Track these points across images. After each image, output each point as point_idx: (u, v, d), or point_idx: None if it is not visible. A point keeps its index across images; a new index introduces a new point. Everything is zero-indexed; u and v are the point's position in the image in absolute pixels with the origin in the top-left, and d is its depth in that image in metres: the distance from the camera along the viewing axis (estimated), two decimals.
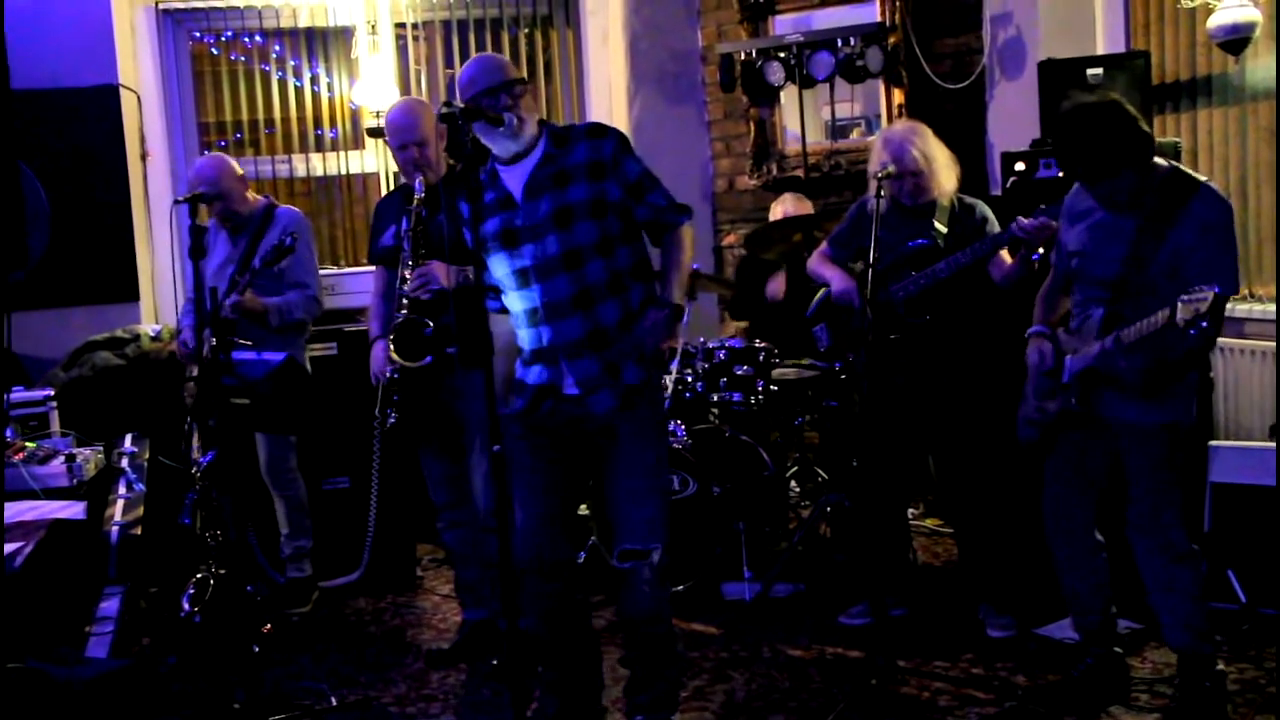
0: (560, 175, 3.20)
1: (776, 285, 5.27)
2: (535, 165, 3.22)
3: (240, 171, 4.78)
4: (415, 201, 3.95)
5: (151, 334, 5.82)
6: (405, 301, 3.90)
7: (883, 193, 3.88)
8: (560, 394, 3.26)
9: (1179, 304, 2.93)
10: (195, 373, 4.51)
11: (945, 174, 4.06)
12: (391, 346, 3.90)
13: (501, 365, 3.39)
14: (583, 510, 4.90)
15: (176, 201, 4.39)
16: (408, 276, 3.90)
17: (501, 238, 3.25)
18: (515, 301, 3.30)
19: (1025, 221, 3.77)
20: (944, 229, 4.08)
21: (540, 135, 3.24)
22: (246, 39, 6.62)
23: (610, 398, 3.22)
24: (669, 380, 4.97)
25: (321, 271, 4.98)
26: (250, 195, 4.80)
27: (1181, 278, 3.12)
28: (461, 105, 3.07)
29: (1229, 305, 3.20)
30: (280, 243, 4.27)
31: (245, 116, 6.66)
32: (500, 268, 3.28)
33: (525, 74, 3.23)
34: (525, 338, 3.31)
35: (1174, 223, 3.16)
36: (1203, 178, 3.22)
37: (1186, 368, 3.30)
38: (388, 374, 3.96)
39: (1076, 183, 3.41)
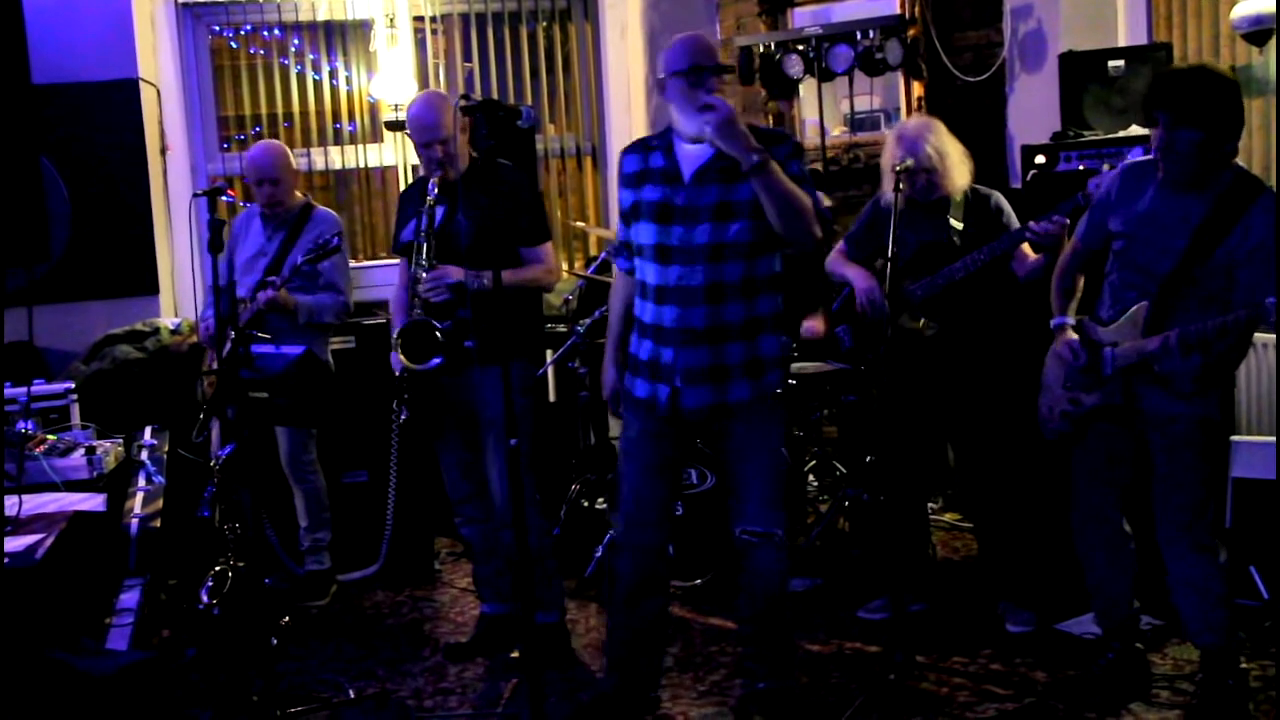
0: (732, 170, 3.20)
1: (814, 324, 5.21)
2: (714, 154, 3.23)
3: (294, 163, 4.83)
4: (427, 202, 3.94)
5: (171, 327, 5.84)
6: (418, 302, 3.91)
7: (901, 186, 3.86)
8: (670, 380, 3.31)
9: (1269, 306, 2.95)
10: (213, 363, 4.53)
11: (958, 170, 4.04)
12: (398, 347, 3.91)
13: (615, 326, 3.54)
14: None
15: (196, 195, 4.41)
16: (422, 277, 3.91)
17: (657, 210, 3.29)
18: (648, 274, 3.33)
19: (1039, 225, 3.78)
20: (960, 224, 4.07)
21: None
22: (265, 33, 6.63)
23: (709, 394, 3.28)
24: None
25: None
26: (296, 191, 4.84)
27: (1233, 280, 3.14)
28: (480, 99, 3.08)
29: None
30: (326, 241, 4.31)
31: (264, 110, 6.68)
32: (644, 237, 3.31)
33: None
34: (646, 311, 3.36)
35: (1236, 224, 3.15)
36: (1269, 184, 3.23)
37: (1232, 368, 3.30)
38: (397, 372, 3.99)
39: (1127, 164, 3.41)
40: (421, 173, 4.14)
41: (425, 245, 3.93)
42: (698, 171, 3.26)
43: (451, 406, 4.03)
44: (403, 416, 4.01)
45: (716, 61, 3.23)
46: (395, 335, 3.96)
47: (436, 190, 3.95)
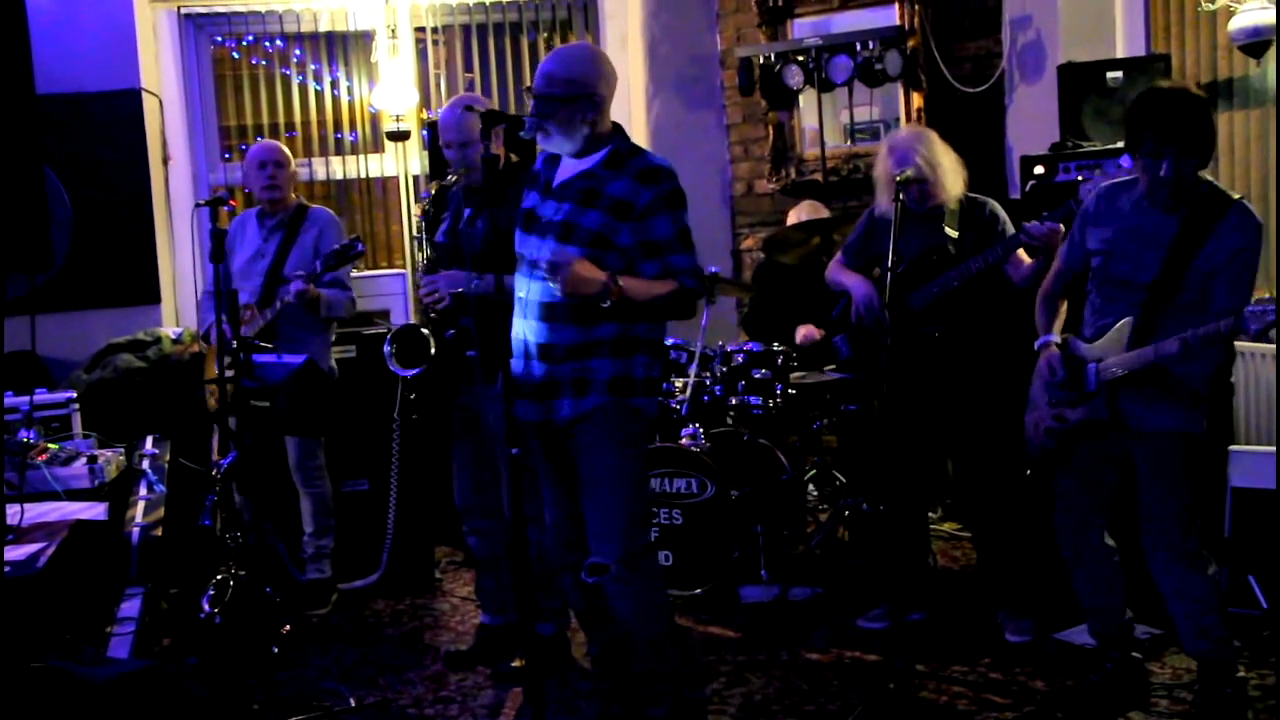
0: (591, 194, 3.11)
1: (809, 332, 5.22)
2: (580, 171, 3.16)
3: (293, 165, 4.88)
4: (420, 209, 3.98)
5: (173, 336, 5.86)
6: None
7: (901, 195, 3.87)
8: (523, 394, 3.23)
9: (1248, 315, 2.98)
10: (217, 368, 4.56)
11: (951, 179, 4.04)
12: (389, 350, 3.92)
13: None
14: None
15: (198, 205, 4.43)
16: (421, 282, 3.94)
17: (526, 218, 3.26)
18: (516, 284, 3.28)
19: (1033, 227, 3.79)
20: (955, 233, 4.08)
21: (604, 147, 3.15)
22: (267, 43, 6.66)
23: (535, 411, 3.18)
24: (687, 383, 4.97)
25: None
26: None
27: (1208, 291, 3.17)
28: (485, 108, 3.09)
29: None
30: (348, 245, 4.40)
31: (266, 120, 6.70)
32: (518, 245, 3.27)
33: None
34: (514, 325, 3.30)
35: (1209, 236, 3.18)
36: (1236, 194, 3.25)
37: (1214, 379, 3.32)
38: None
39: (1105, 185, 3.42)
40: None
41: (423, 250, 3.96)
42: (562, 184, 3.18)
43: (463, 413, 4.03)
44: (413, 418, 4.02)
45: (551, 92, 3.08)
46: (389, 335, 3.96)
47: (431, 193, 4.00)
